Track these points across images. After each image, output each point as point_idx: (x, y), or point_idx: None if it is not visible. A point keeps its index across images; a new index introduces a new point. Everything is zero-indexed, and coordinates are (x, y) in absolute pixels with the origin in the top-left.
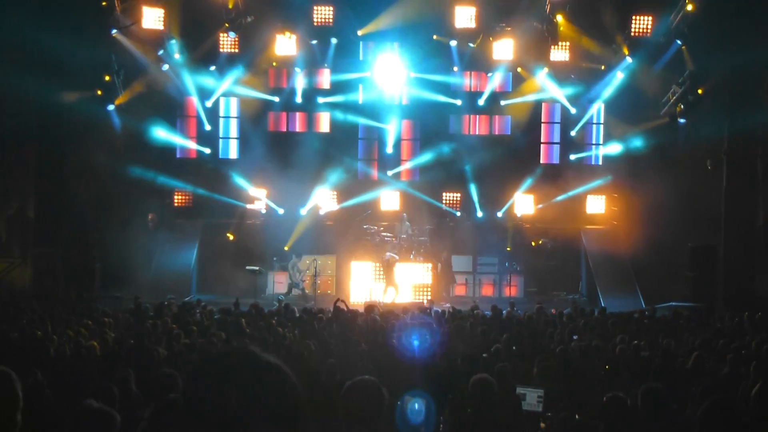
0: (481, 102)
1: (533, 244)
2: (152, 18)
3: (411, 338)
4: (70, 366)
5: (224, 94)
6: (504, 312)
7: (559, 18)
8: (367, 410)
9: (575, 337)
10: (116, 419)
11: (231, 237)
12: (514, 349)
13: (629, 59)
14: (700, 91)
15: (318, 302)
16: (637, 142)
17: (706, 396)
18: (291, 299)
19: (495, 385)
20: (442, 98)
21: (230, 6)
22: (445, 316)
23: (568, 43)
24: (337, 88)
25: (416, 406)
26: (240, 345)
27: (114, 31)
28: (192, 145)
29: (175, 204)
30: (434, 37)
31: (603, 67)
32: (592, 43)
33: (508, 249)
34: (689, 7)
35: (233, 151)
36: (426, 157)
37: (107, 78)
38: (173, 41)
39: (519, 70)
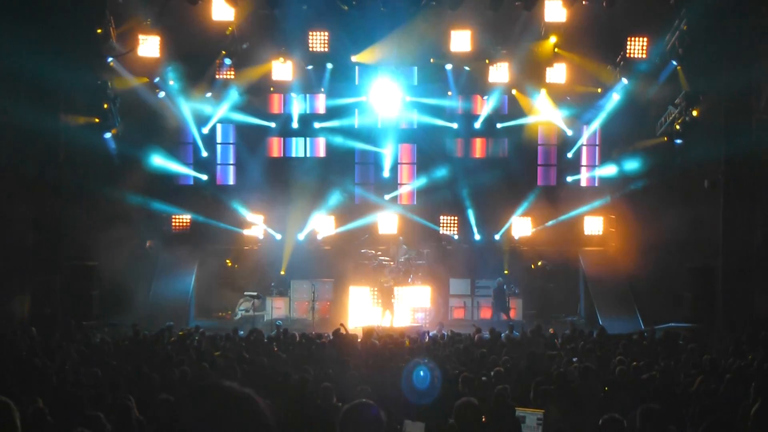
0: (477, 125)
1: (533, 266)
2: (148, 45)
3: (418, 384)
4: (71, 394)
5: (221, 121)
6: (503, 335)
7: (555, 41)
8: None
9: (575, 359)
10: None
11: (232, 264)
12: (513, 371)
13: (625, 81)
14: (695, 112)
15: (316, 326)
16: (634, 164)
17: (705, 417)
18: (288, 323)
19: (478, 408)
20: (438, 122)
21: (227, 33)
22: (443, 339)
23: (563, 66)
24: (333, 112)
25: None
26: (211, 381)
27: (110, 59)
28: (189, 171)
29: (173, 230)
30: (431, 60)
31: (600, 90)
32: (587, 65)
33: (506, 272)
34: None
35: (230, 177)
36: (423, 181)
37: (104, 105)
38: (169, 68)
39: (515, 92)
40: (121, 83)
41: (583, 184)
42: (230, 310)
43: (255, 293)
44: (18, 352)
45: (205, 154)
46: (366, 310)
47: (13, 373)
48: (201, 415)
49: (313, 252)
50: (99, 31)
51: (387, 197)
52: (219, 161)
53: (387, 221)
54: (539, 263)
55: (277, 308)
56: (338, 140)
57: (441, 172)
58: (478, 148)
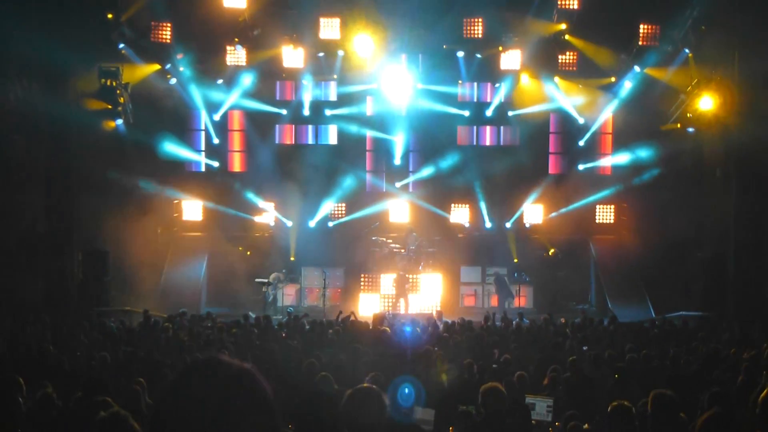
0: (489, 113)
1: (549, 254)
2: (160, 32)
3: (403, 328)
4: (82, 379)
5: (232, 108)
6: (514, 322)
7: (567, 27)
8: (368, 418)
9: (585, 348)
10: (136, 428)
11: (244, 251)
12: (523, 359)
13: (637, 68)
14: (707, 101)
15: (327, 313)
16: (646, 152)
17: (714, 404)
18: (300, 311)
19: (505, 394)
20: (450, 109)
21: (239, 19)
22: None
23: (575, 53)
24: (344, 100)
25: (406, 390)
26: (207, 356)
27: (121, 45)
28: (200, 158)
29: (185, 217)
30: (444, 46)
31: (613, 79)
32: (600, 52)
33: (516, 260)
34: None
35: (242, 164)
36: (434, 169)
37: (115, 92)
38: (181, 55)
39: (527, 80)
40: (132, 70)
41: (595, 172)
42: (269, 281)
43: (266, 280)
44: (30, 337)
45: (216, 141)
46: (377, 297)
47: (25, 358)
48: (198, 391)
49: (324, 239)
50: (110, 16)
51: (398, 185)
52: (230, 148)
53: (398, 209)
54: (551, 251)
55: (288, 295)
56: (349, 128)
57: (452, 160)
58: (490, 135)
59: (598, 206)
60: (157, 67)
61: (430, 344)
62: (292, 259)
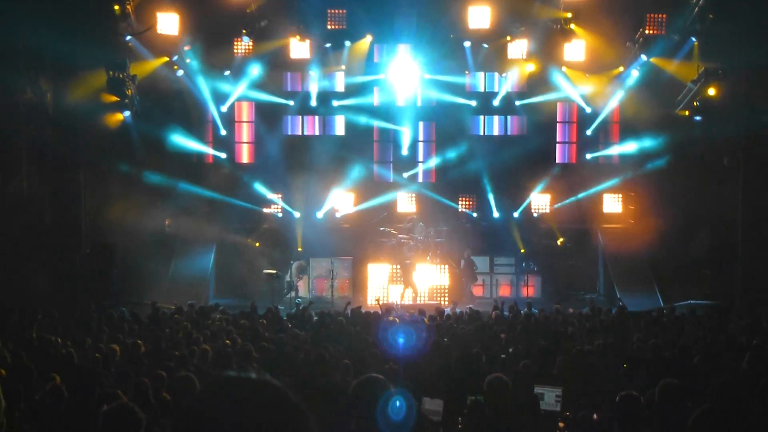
0: (496, 102)
1: (557, 244)
2: (167, 23)
3: (396, 336)
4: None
5: (239, 99)
6: (522, 312)
7: (573, 16)
8: (375, 407)
9: (594, 337)
10: (143, 419)
11: (252, 242)
12: (531, 349)
13: (644, 57)
14: (715, 89)
15: (336, 304)
16: (653, 140)
17: (722, 393)
18: (306, 302)
19: (510, 384)
20: (457, 99)
21: (247, 10)
22: (463, 317)
23: (582, 43)
24: (351, 90)
25: (397, 403)
26: (228, 374)
27: (128, 37)
28: (208, 150)
29: (192, 209)
30: (451, 36)
31: (621, 68)
32: (606, 41)
33: (522, 251)
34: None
35: (249, 156)
36: (441, 159)
37: (123, 84)
38: (188, 46)
39: (534, 69)
40: (139, 62)
41: (603, 161)
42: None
43: (274, 271)
44: (38, 330)
45: (224, 132)
46: (385, 288)
47: (33, 351)
48: (224, 412)
49: (331, 230)
50: (117, 8)
51: (405, 175)
52: (237, 139)
53: (405, 199)
54: (560, 241)
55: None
56: (357, 118)
57: (459, 150)
58: (497, 125)
59: (605, 195)
60: (164, 59)
61: (425, 355)
62: (299, 249)
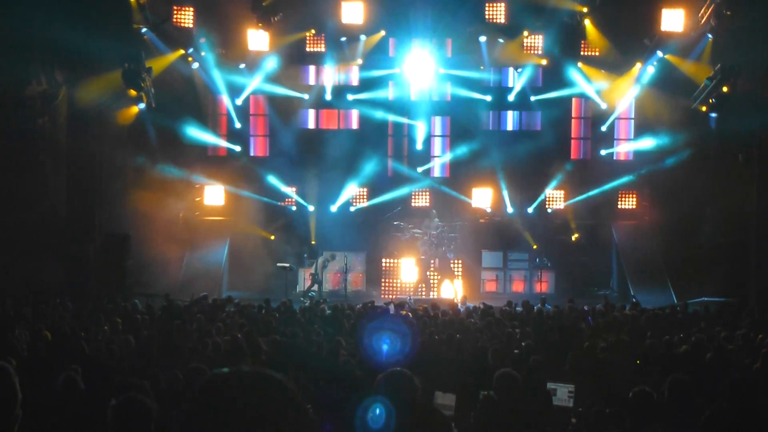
0: (511, 98)
1: (573, 239)
2: (182, 16)
3: (381, 342)
4: (104, 363)
5: (254, 92)
6: (535, 308)
7: (589, 11)
8: (401, 400)
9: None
10: (153, 410)
11: (270, 236)
12: (545, 344)
13: (660, 53)
14: (729, 86)
15: (349, 298)
16: (669, 137)
17: (736, 392)
18: (319, 296)
19: (519, 379)
20: (472, 94)
21: (263, 3)
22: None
23: (598, 38)
24: (366, 84)
25: (377, 411)
26: (252, 368)
27: (143, 29)
28: (223, 143)
29: (206, 202)
30: (468, 30)
31: (639, 65)
32: (622, 37)
33: (534, 247)
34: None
35: (263, 149)
36: (456, 153)
37: (138, 77)
38: (203, 39)
39: (549, 65)
40: (154, 54)
41: (617, 157)
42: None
43: (287, 264)
44: (52, 322)
45: (238, 125)
46: (398, 282)
47: (46, 342)
48: (227, 404)
49: (345, 224)
50: (132, 0)
51: (420, 170)
52: (252, 132)
53: (419, 194)
54: (575, 237)
55: (309, 280)
56: (372, 112)
57: (474, 145)
58: (512, 120)
59: (620, 191)
60: (179, 51)
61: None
62: (312, 243)
